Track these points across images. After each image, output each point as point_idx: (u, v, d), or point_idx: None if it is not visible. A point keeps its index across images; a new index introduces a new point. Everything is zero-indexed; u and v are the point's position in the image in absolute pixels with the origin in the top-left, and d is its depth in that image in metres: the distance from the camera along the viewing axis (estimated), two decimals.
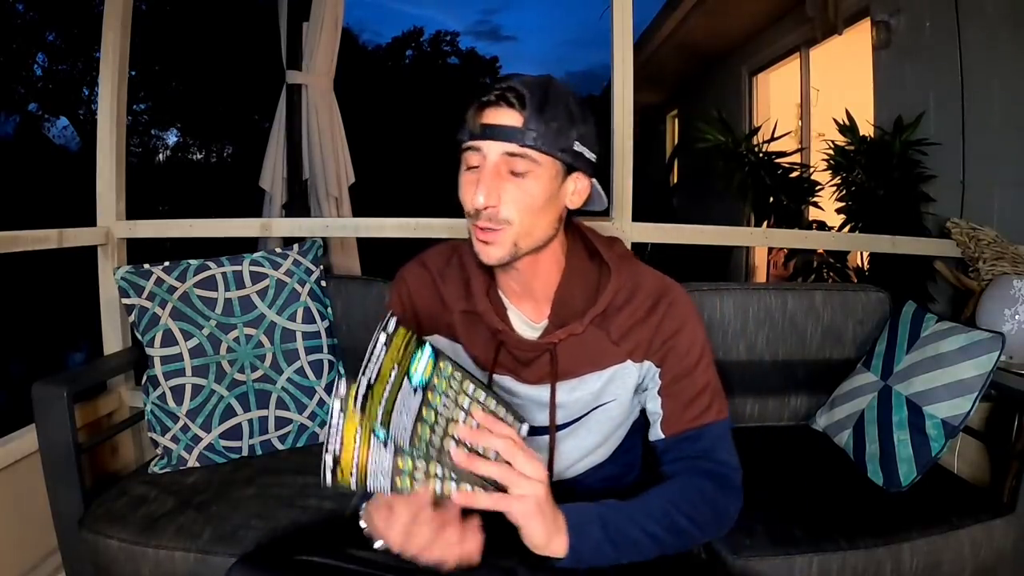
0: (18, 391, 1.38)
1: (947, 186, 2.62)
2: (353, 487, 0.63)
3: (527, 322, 0.91)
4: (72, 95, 12.88)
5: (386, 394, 0.66)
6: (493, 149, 0.77)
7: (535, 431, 0.91)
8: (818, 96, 4.46)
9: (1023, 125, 2.34)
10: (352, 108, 2.71)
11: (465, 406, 0.71)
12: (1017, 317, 1.55)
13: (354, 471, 0.62)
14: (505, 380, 0.91)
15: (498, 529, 0.90)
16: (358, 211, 2.33)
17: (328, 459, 0.61)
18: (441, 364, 0.71)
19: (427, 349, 0.71)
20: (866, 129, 2.86)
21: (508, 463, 0.70)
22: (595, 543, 0.75)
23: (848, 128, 2.82)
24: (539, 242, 0.83)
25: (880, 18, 3.28)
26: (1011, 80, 2.40)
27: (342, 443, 0.62)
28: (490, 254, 0.81)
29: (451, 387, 0.71)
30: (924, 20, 2.97)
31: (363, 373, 0.65)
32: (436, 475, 0.67)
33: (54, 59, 12.58)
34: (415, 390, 0.68)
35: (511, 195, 0.78)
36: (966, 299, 1.85)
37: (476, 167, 0.80)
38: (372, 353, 0.66)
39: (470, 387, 0.73)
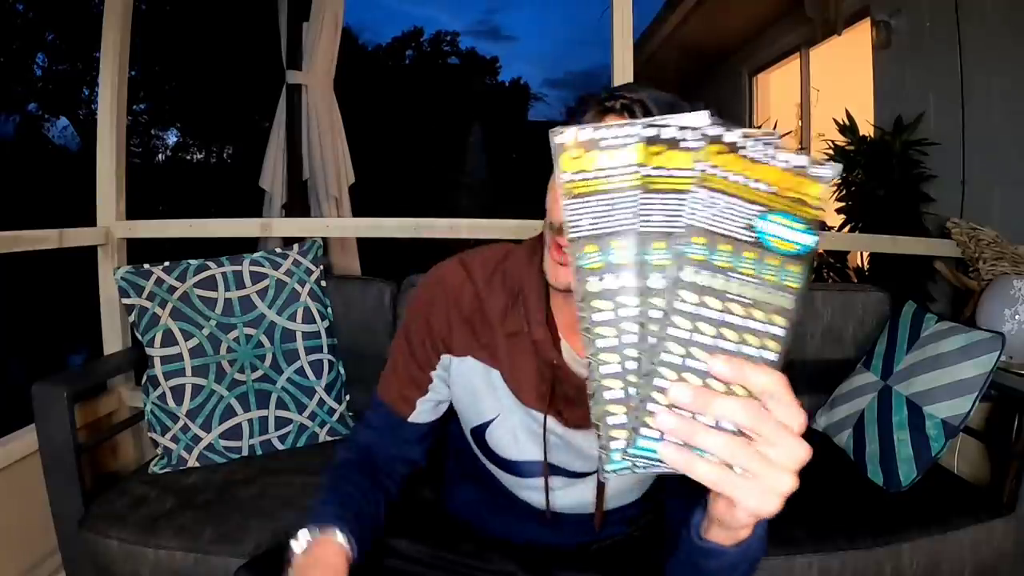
0: (18, 391, 1.38)
1: (947, 186, 2.62)
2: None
3: (576, 358, 0.79)
4: (72, 95, 12.88)
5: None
6: None
7: (571, 474, 0.82)
8: (818, 96, 4.46)
9: (1023, 125, 2.34)
10: (352, 108, 2.71)
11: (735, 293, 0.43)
12: (1017, 317, 1.55)
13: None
14: (549, 422, 0.79)
15: (495, 533, 0.88)
16: (358, 211, 2.34)
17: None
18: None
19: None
20: (866, 129, 2.87)
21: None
22: (754, 548, 0.57)
23: (848, 128, 2.82)
24: None
25: (880, 18, 3.29)
26: (1011, 80, 2.40)
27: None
28: (565, 277, 0.68)
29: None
30: (924, 20, 2.97)
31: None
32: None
33: (54, 59, 12.58)
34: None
35: None
36: (966, 299, 1.85)
37: None
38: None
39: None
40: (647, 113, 0.66)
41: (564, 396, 0.78)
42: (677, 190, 0.42)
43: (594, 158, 0.42)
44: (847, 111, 2.86)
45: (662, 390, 0.42)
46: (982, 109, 2.55)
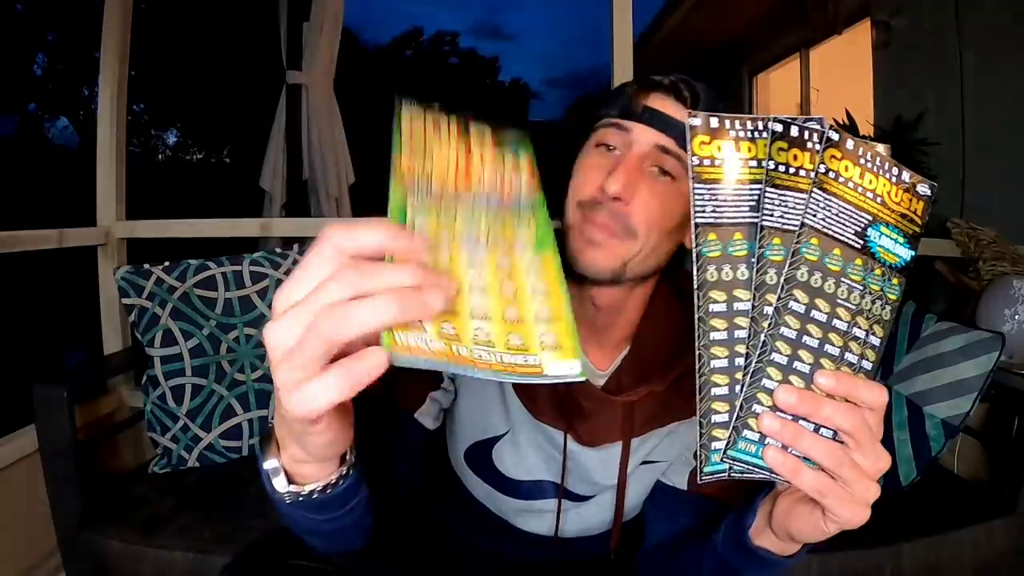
0: (18, 391, 1.38)
1: (947, 186, 2.62)
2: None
3: (593, 368, 0.74)
4: (72, 95, 12.88)
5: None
6: (646, 136, 0.63)
7: (576, 498, 0.77)
8: (818, 96, 4.47)
9: (1023, 125, 2.34)
10: (352, 108, 2.71)
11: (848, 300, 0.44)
12: (1017, 317, 1.55)
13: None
14: (559, 437, 0.74)
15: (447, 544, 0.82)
16: (358, 211, 2.34)
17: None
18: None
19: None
20: (866, 129, 2.87)
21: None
22: (798, 558, 0.56)
23: (848, 128, 2.82)
24: (646, 272, 0.66)
25: (880, 18, 3.29)
26: (1011, 79, 2.40)
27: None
28: (595, 259, 0.63)
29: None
30: (924, 20, 2.97)
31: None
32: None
33: (54, 59, 12.58)
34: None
35: (645, 201, 0.62)
36: (966, 299, 1.85)
37: (612, 150, 0.65)
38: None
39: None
40: (695, 95, 0.64)
41: (579, 410, 0.72)
42: (799, 189, 0.43)
43: (724, 146, 0.44)
44: (847, 111, 2.86)
45: (768, 391, 0.42)
46: (982, 109, 2.56)
